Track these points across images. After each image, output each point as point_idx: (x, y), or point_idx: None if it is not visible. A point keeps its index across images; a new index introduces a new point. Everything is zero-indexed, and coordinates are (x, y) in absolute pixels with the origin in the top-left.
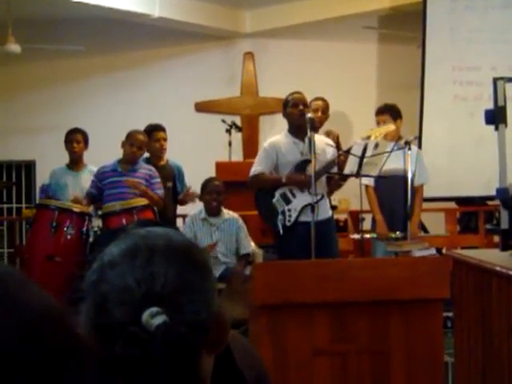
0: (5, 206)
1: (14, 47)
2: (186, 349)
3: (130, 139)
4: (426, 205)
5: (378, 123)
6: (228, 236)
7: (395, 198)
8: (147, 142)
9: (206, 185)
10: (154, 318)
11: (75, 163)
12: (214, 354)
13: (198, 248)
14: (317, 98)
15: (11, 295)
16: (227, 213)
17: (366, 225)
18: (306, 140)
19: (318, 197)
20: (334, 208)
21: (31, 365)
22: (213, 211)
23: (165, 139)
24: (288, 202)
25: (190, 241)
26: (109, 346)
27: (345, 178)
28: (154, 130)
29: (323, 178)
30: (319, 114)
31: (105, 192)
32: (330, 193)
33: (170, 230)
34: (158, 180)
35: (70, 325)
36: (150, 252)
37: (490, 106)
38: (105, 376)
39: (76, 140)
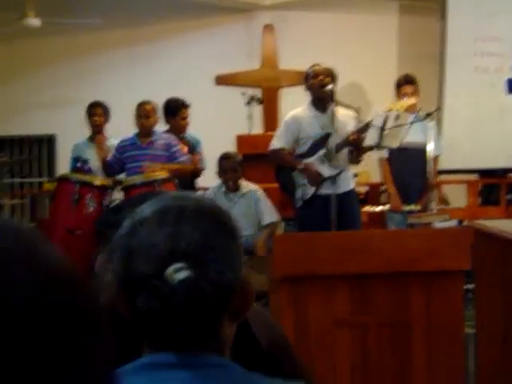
0: (26, 180)
1: (34, 21)
2: (207, 306)
3: (137, 111)
4: (447, 177)
5: (405, 94)
6: (247, 210)
7: (409, 170)
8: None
9: (221, 163)
10: (177, 272)
11: (96, 136)
12: (235, 322)
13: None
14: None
15: (30, 253)
16: (246, 185)
17: (385, 197)
18: (327, 113)
19: (338, 170)
20: (354, 176)
21: (44, 323)
22: (231, 188)
23: (187, 117)
24: None
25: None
26: (132, 298)
27: (365, 151)
28: (181, 108)
29: (345, 151)
30: None
31: (126, 165)
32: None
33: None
34: (178, 147)
35: (85, 286)
36: (180, 212)
37: None
38: (129, 337)
39: (97, 113)
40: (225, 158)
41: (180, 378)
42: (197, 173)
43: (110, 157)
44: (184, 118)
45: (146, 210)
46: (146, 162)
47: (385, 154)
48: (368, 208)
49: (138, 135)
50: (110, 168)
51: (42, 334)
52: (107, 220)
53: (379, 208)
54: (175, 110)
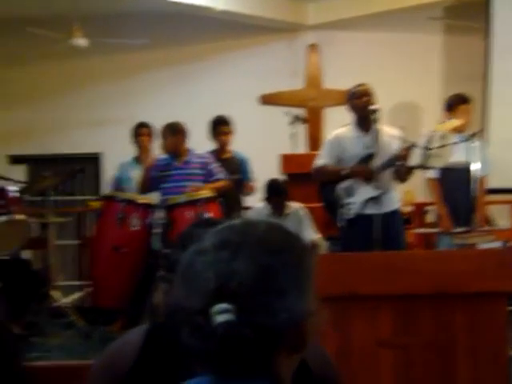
0: (72, 198)
1: (81, 41)
2: (246, 350)
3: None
4: (492, 197)
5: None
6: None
7: (458, 190)
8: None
9: (268, 190)
10: (220, 314)
11: (142, 157)
12: (295, 356)
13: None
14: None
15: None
16: (290, 205)
17: (430, 217)
18: (371, 133)
19: (382, 190)
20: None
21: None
22: (277, 212)
23: (227, 133)
24: (350, 194)
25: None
26: (180, 327)
27: (411, 171)
28: (217, 124)
29: (389, 171)
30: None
31: (161, 185)
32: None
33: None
34: (215, 164)
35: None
36: (238, 247)
37: None
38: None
39: (144, 134)
40: (274, 194)
41: None
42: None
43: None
44: (219, 134)
45: (207, 240)
46: (186, 182)
47: (434, 174)
48: (416, 229)
49: (174, 155)
50: (151, 183)
51: None
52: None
53: (428, 230)
54: (214, 126)
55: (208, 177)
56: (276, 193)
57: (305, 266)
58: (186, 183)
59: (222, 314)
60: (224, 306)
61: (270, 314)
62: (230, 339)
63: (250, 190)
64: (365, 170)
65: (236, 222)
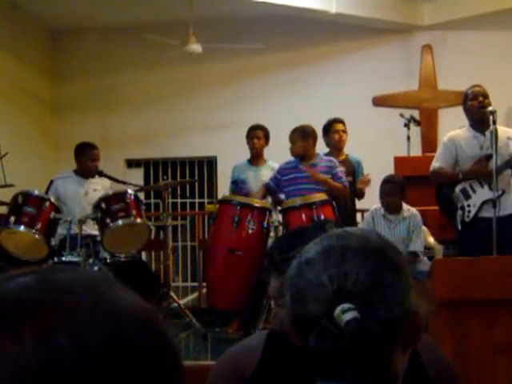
0: (188, 201)
1: (196, 47)
2: (375, 345)
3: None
4: None
5: None
6: (405, 233)
7: None
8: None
9: (381, 186)
10: (344, 313)
11: (256, 159)
12: (407, 352)
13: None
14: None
15: (100, 296)
16: (407, 209)
17: None
18: (487, 134)
19: (499, 192)
20: None
21: (117, 361)
22: (389, 211)
23: (343, 131)
24: (468, 197)
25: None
26: (304, 337)
27: None
28: (332, 123)
29: (507, 173)
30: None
31: (285, 188)
32: None
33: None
34: (341, 169)
35: (157, 325)
36: (344, 251)
37: None
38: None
39: (257, 136)
40: (385, 182)
41: None
42: (359, 195)
43: (269, 178)
44: (336, 132)
45: (311, 250)
46: (312, 185)
47: None
48: None
49: (301, 159)
50: (270, 190)
51: (113, 376)
52: (279, 246)
53: None
54: (328, 125)
55: (334, 180)
56: (387, 180)
57: (403, 266)
58: (312, 186)
59: (346, 312)
60: (346, 305)
61: (386, 308)
62: (359, 335)
63: (365, 183)
64: (481, 170)
65: (331, 232)
